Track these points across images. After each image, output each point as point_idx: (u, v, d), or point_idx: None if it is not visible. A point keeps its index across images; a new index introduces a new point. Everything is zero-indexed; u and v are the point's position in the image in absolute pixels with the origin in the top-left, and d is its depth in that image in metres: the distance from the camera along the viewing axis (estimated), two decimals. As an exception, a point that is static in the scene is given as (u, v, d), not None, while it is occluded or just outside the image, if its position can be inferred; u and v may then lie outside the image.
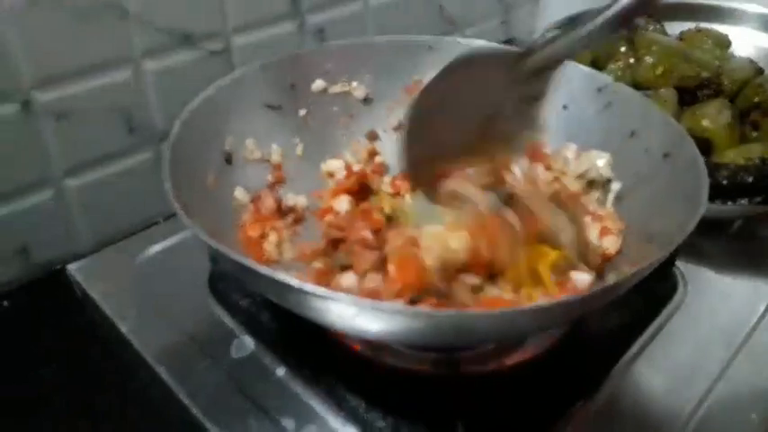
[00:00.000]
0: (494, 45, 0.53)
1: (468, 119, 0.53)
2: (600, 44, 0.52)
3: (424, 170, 0.54)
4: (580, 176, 0.62)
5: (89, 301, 0.63)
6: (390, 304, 0.45)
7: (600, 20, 0.46)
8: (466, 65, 0.52)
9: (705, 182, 0.48)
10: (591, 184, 0.61)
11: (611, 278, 0.53)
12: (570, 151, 0.63)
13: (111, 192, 0.77)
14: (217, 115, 0.59)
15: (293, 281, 0.40)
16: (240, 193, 0.60)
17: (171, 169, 0.49)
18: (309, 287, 0.40)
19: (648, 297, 0.62)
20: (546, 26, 0.92)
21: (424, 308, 0.47)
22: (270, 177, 0.64)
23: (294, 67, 0.65)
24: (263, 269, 0.41)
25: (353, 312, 0.40)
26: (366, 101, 0.69)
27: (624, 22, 0.47)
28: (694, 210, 0.46)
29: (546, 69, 0.51)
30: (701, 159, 0.51)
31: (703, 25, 0.90)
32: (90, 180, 0.74)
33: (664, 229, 0.49)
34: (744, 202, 0.67)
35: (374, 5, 0.96)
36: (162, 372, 0.56)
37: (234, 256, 0.42)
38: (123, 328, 0.59)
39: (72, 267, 0.66)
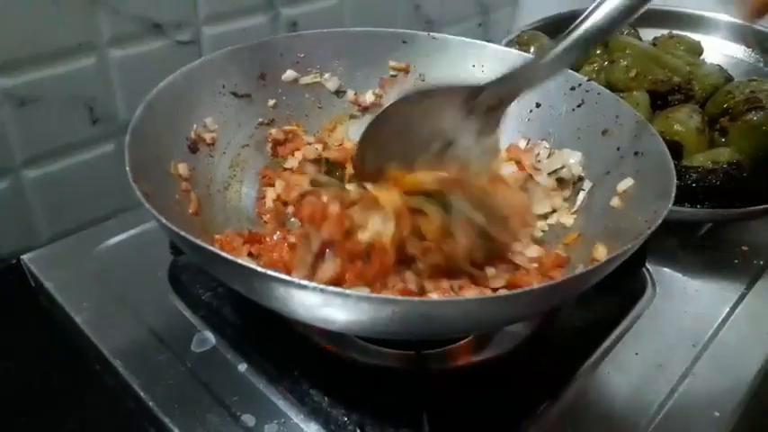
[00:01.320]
0: (451, 83, 0.56)
1: (424, 145, 0.56)
2: (555, 74, 0.54)
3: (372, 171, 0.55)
4: (551, 174, 0.61)
5: (43, 292, 0.61)
6: (356, 291, 0.43)
7: (549, 56, 0.50)
8: (423, 96, 0.55)
9: (673, 178, 0.48)
10: (561, 182, 0.61)
11: (580, 268, 0.52)
12: (542, 149, 0.62)
13: (71, 184, 0.74)
14: (182, 100, 0.57)
15: (256, 266, 0.39)
16: (183, 169, 0.56)
17: (131, 152, 0.47)
18: (272, 272, 0.38)
19: (618, 297, 0.62)
20: (520, 27, 0.93)
21: (389, 294, 0.46)
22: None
23: (264, 54, 0.63)
24: (225, 254, 0.40)
25: (318, 300, 0.38)
26: (338, 93, 0.68)
27: (581, 51, 0.49)
28: (664, 204, 0.45)
29: (500, 105, 0.54)
30: (669, 156, 0.51)
31: (676, 32, 0.91)
32: (49, 171, 0.71)
33: (632, 226, 0.49)
34: (712, 205, 0.67)
35: (351, 1, 0.95)
36: (118, 365, 0.54)
37: (194, 241, 0.40)
38: (79, 320, 0.57)
39: (26, 257, 0.64)
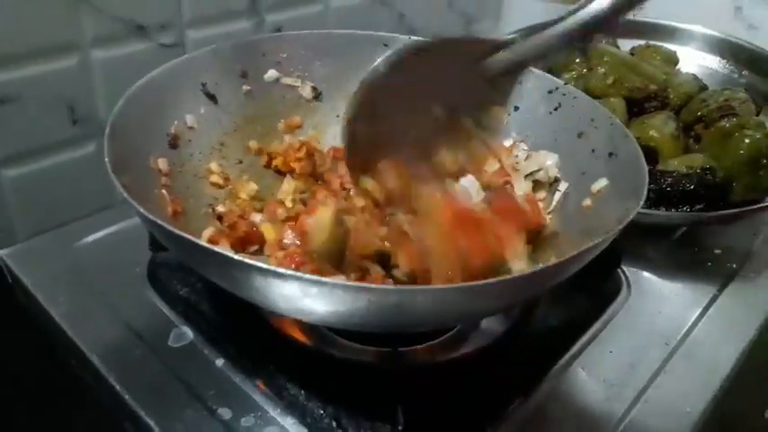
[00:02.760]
0: (458, 36, 0.53)
1: (421, 116, 0.51)
2: (562, 51, 0.50)
3: (364, 157, 0.52)
4: (528, 176, 0.62)
5: (20, 287, 0.60)
6: (332, 279, 0.44)
7: (565, 25, 0.45)
8: (421, 52, 0.49)
9: (645, 177, 0.49)
10: (537, 184, 0.62)
11: (553, 259, 0.53)
12: (521, 150, 0.63)
13: (50, 184, 0.74)
14: (163, 96, 0.58)
15: (233, 254, 0.39)
16: (162, 164, 0.57)
17: (111, 145, 0.48)
18: (248, 261, 0.39)
19: (593, 297, 0.63)
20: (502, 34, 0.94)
21: (364, 283, 0.46)
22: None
23: (247, 54, 0.64)
24: (202, 243, 0.40)
25: (295, 288, 0.39)
26: (315, 98, 0.69)
27: (590, 30, 0.45)
28: (636, 202, 0.46)
29: (512, 71, 0.49)
30: (642, 156, 0.52)
31: (653, 43, 0.93)
32: (28, 171, 0.71)
33: (606, 225, 0.50)
34: (686, 209, 0.69)
35: (335, 8, 0.96)
36: (95, 359, 0.54)
37: (172, 229, 0.41)
38: (55, 315, 0.57)
39: (3, 253, 0.63)
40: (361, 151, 0.52)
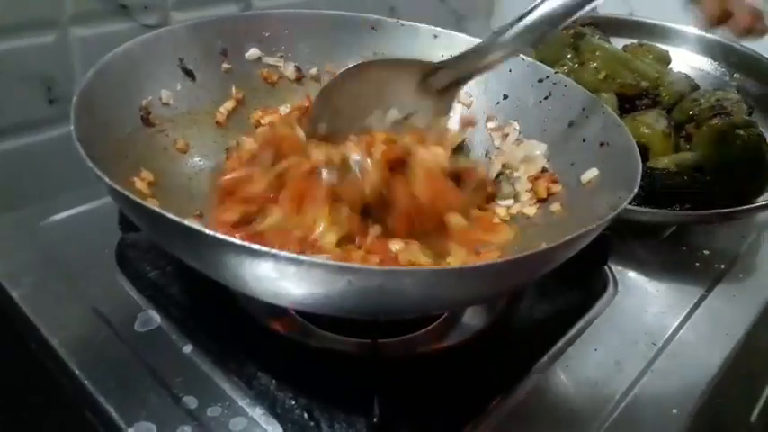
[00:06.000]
0: (407, 57, 0.58)
1: (378, 114, 0.57)
2: (509, 56, 0.55)
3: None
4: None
5: (-22, 264, 0.57)
6: (311, 257, 0.41)
7: (504, 37, 0.51)
8: (379, 67, 0.57)
9: (638, 165, 0.47)
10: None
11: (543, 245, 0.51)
12: (513, 131, 0.62)
13: (23, 164, 0.71)
14: (138, 69, 0.55)
15: (203, 228, 0.37)
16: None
17: (79, 115, 0.45)
18: (221, 235, 0.36)
19: (579, 293, 0.61)
20: (492, 29, 0.93)
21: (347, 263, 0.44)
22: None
23: (228, 30, 0.61)
24: (172, 216, 0.37)
25: (269, 267, 0.36)
26: (299, 80, 0.66)
27: (535, 36, 0.50)
28: (629, 190, 0.45)
29: (454, 85, 0.56)
30: (635, 145, 0.50)
31: (645, 42, 0.92)
32: (2, 149, 0.68)
33: (597, 214, 0.48)
34: (675, 207, 0.67)
35: (324, -1, 0.94)
36: (55, 342, 0.51)
37: (137, 200, 0.38)
38: (15, 295, 0.54)
39: (-37, 229, 0.60)
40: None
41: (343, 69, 0.57)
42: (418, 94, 0.56)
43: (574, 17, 0.49)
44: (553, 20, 0.49)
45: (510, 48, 0.52)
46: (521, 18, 0.50)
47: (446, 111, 0.57)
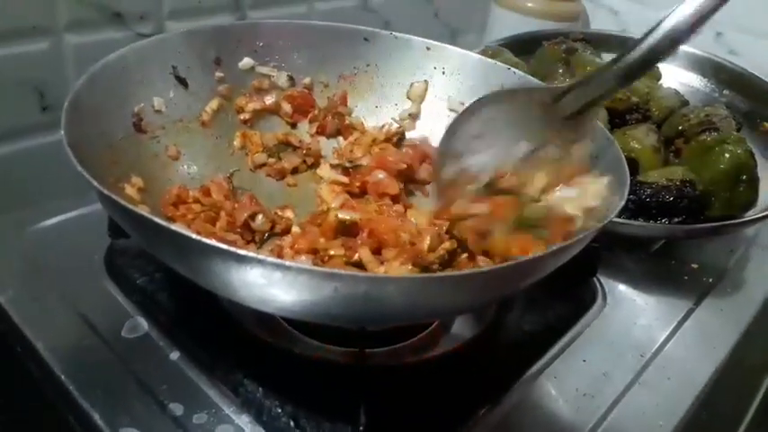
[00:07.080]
0: (532, 83, 0.58)
1: (507, 149, 0.53)
2: (629, 84, 0.51)
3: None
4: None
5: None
6: (297, 263, 0.41)
7: (631, 58, 0.45)
8: (505, 97, 0.55)
9: (626, 177, 0.48)
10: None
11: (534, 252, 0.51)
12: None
13: (15, 172, 0.71)
14: (131, 76, 0.55)
15: (191, 233, 0.37)
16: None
17: (69, 120, 0.45)
18: (208, 241, 0.36)
19: (568, 305, 0.62)
20: (485, 42, 0.93)
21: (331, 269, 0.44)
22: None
23: (222, 39, 0.61)
24: (159, 221, 0.37)
25: (257, 273, 0.36)
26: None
27: (655, 60, 0.46)
28: (617, 201, 0.45)
29: (586, 109, 0.50)
30: (623, 158, 0.50)
31: (635, 58, 0.93)
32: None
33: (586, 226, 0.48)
34: (664, 221, 0.68)
35: (320, 10, 0.95)
36: (40, 347, 0.50)
37: (127, 206, 0.38)
38: (2, 299, 0.54)
39: (-48, 233, 0.60)
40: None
41: (464, 109, 0.56)
42: (547, 122, 0.52)
43: (689, 36, 0.43)
44: (674, 41, 0.44)
45: (640, 65, 0.46)
46: (647, 34, 0.44)
47: (580, 136, 0.52)
